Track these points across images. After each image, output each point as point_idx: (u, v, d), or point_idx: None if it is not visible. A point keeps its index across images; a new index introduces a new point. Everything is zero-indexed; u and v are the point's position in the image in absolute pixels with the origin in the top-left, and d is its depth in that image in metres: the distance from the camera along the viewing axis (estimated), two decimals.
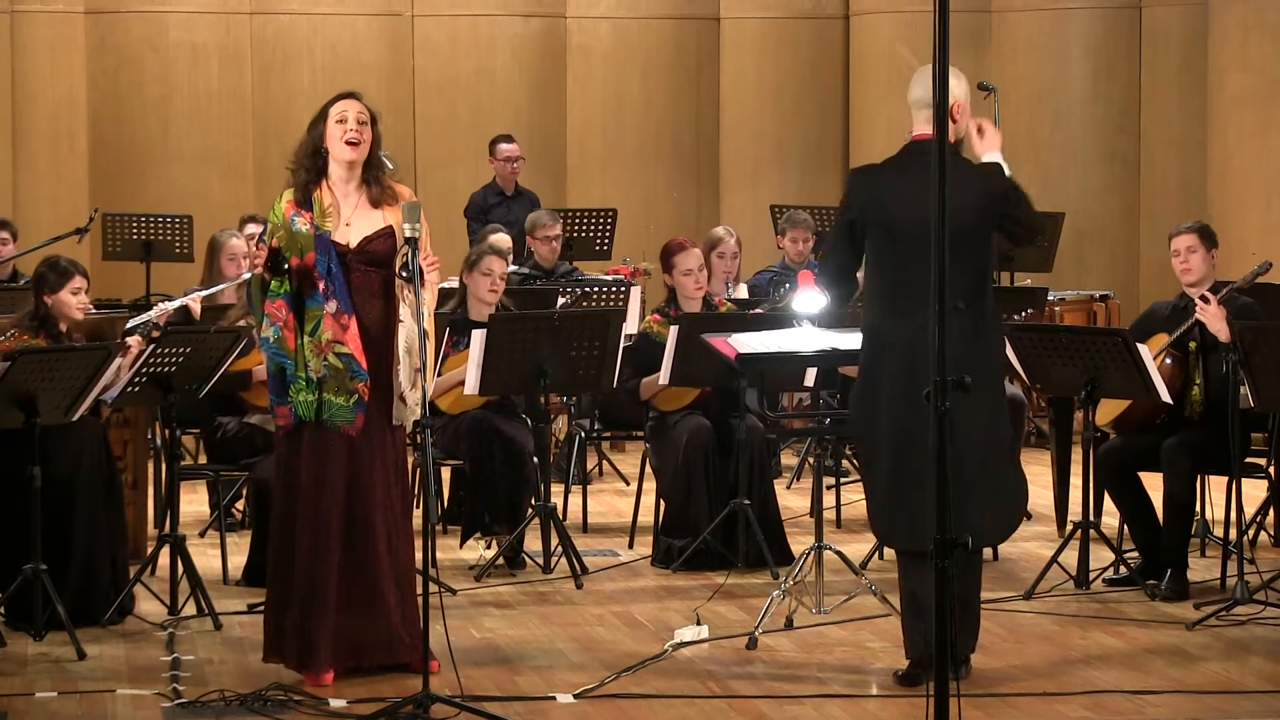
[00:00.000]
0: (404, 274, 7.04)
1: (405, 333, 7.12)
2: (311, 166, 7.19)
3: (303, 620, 7.15)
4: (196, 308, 10.08)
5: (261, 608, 8.15)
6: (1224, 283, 8.99)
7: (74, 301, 8.32)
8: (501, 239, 11.68)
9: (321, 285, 7.07)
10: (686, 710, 6.86)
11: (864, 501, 11.10)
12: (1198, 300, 8.62)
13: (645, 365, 9.51)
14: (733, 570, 9.07)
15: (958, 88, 7.06)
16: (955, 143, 7.11)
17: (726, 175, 16.31)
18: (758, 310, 10.35)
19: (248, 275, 7.21)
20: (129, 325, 9.70)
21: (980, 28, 15.79)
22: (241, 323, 8.73)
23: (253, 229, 11.51)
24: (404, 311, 7.14)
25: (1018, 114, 15.19)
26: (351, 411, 7.09)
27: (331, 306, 7.07)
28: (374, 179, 7.21)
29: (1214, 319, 8.48)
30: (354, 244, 7.11)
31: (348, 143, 7.15)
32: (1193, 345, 8.81)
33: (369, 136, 7.19)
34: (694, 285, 9.74)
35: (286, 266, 7.05)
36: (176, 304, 9.89)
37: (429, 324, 7.04)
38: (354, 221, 7.15)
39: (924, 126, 7.06)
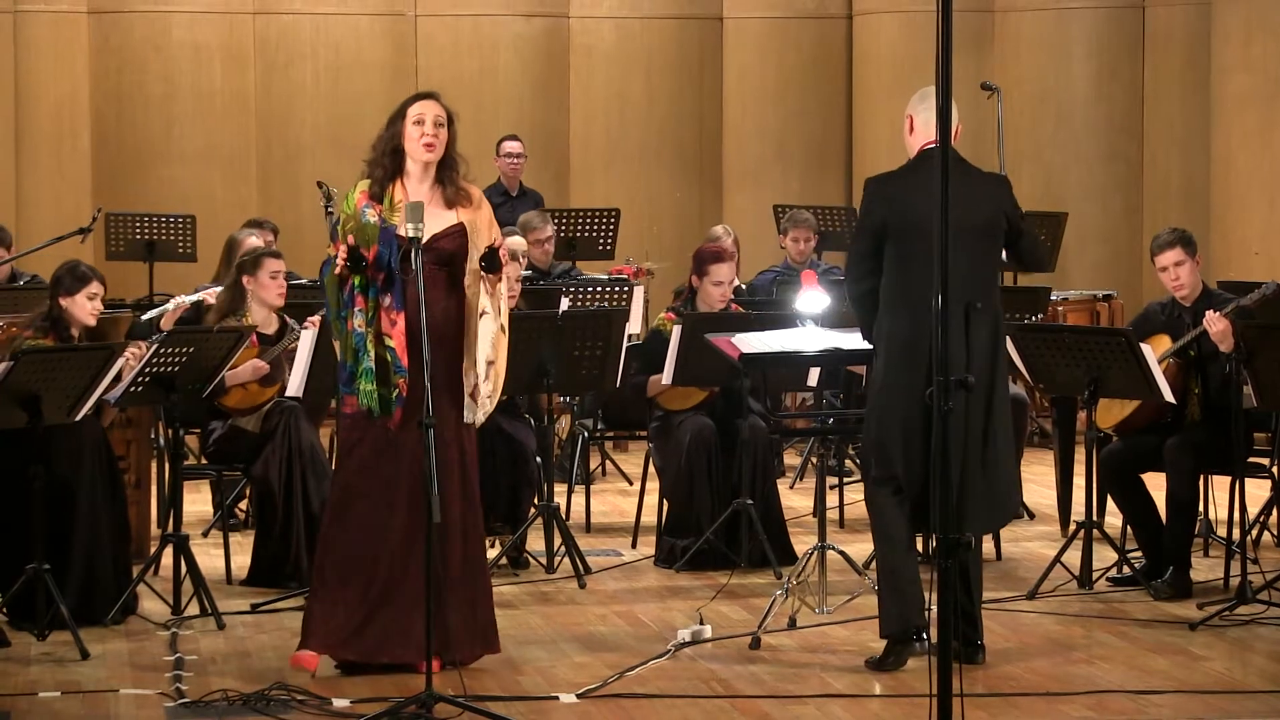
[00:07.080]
0: (482, 266, 7.13)
1: (485, 327, 7.18)
2: (390, 164, 7.24)
3: (394, 612, 7.15)
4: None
5: (264, 607, 8.18)
6: (1227, 286, 8.98)
7: (88, 307, 8.34)
8: (517, 241, 11.36)
9: (381, 278, 7.11)
10: (689, 710, 6.86)
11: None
12: (1207, 315, 8.56)
13: (654, 362, 9.47)
14: (736, 570, 9.06)
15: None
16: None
17: (729, 175, 16.30)
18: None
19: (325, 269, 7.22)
20: (145, 318, 9.83)
21: (983, 27, 15.78)
22: (237, 322, 8.77)
23: (252, 233, 11.35)
24: (485, 303, 7.18)
25: (1020, 114, 15.19)
26: (392, 405, 7.14)
27: (386, 300, 7.12)
28: (448, 179, 7.27)
29: (1223, 337, 8.44)
30: (424, 240, 7.09)
31: (424, 145, 7.20)
32: (1191, 353, 8.79)
33: (445, 138, 7.25)
34: (720, 297, 9.66)
35: (364, 264, 7.08)
36: (192, 299, 9.94)
37: (500, 321, 7.22)
38: (426, 219, 7.13)
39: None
